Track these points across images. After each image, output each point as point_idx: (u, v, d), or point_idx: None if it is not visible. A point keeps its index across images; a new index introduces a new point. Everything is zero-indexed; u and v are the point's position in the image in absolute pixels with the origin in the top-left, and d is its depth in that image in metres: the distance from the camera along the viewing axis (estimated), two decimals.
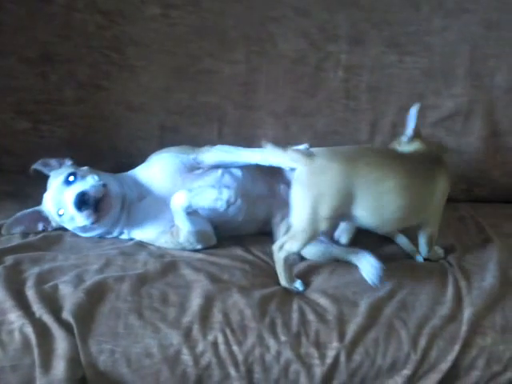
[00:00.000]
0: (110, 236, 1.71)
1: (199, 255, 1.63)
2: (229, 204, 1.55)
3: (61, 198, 1.63)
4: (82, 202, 1.58)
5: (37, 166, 1.77)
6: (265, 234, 1.77)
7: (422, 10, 1.99)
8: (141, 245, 1.66)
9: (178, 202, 1.59)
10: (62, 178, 1.64)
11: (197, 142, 1.95)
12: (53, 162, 1.77)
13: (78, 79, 1.98)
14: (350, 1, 1.98)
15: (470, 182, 2.00)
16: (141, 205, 1.70)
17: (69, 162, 1.77)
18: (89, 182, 1.62)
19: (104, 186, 1.63)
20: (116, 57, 1.97)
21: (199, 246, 1.65)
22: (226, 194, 1.55)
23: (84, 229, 1.67)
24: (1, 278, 1.45)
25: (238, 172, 1.75)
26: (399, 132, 1.99)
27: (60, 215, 1.64)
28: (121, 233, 1.72)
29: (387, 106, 2.02)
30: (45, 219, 1.70)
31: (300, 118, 2.02)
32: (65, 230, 1.70)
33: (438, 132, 2.03)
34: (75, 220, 1.63)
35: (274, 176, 1.83)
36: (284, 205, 1.79)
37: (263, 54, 1.99)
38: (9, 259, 1.53)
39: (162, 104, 2.00)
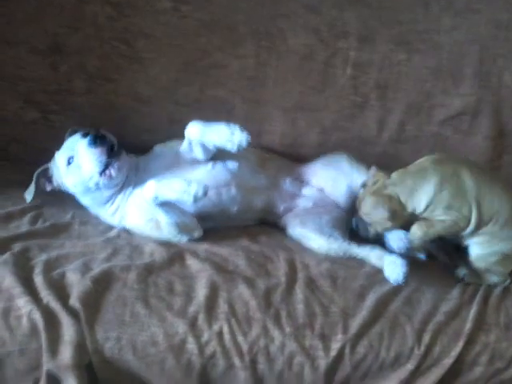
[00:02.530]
0: (103, 212, 1.72)
1: (205, 245, 1.64)
2: (196, 198, 1.52)
3: (74, 145, 1.66)
4: (97, 138, 1.61)
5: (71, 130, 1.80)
6: (268, 225, 1.81)
7: (431, 9, 2.00)
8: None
9: (146, 192, 1.59)
10: (79, 133, 1.69)
11: None
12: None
13: (87, 70, 1.99)
14: None
15: None
16: (135, 191, 1.71)
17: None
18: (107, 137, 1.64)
19: (121, 149, 1.67)
20: (126, 49, 1.98)
21: (184, 238, 1.65)
22: (194, 188, 1.52)
23: (86, 186, 1.66)
24: (9, 265, 1.46)
25: (234, 165, 1.77)
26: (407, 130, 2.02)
27: (69, 164, 1.66)
28: (111, 213, 1.72)
29: (395, 104, 2.03)
30: (48, 177, 1.73)
31: (308, 114, 2.02)
32: (72, 218, 1.72)
33: (445, 131, 2.04)
34: (82, 168, 1.63)
35: (281, 170, 1.84)
36: (287, 197, 1.80)
37: (272, 49, 2.00)
38: (17, 246, 1.54)
39: (170, 97, 2.01)
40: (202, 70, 2.00)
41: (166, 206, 1.60)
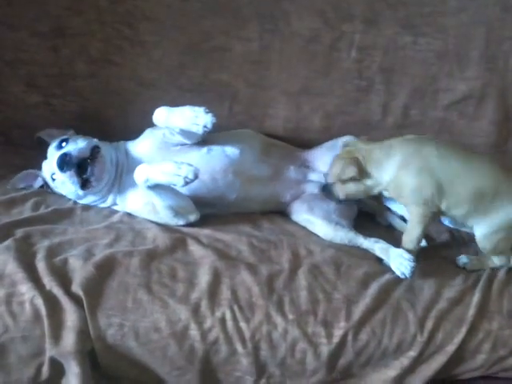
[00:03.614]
0: (103, 205, 1.73)
1: (207, 231, 1.63)
2: (186, 181, 1.51)
3: (52, 162, 1.66)
4: (64, 162, 1.61)
5: (41, 134, 1.84)
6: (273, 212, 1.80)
7: None
8: (149, 221, 1.66)
9: (138, 176, 1.58)
10: (55, 144, 1.69)
11: None
12: (56, 131, 1.80)
13: (89, 54, 1.97)
14: None
15: None
16: (131, 176, 1.70)
17: (70, 131, 1.80)
18: (78, 145, 1.65)
19: (96, 147, 1.67)
20: (128, 32, 1.96)
21: (181, 222, 1.64)
22: (185, 171, 1.51)
23: (76, 196, 1.70)
24: (12, 251, 1.46)
25: (234, 151, 1.75)
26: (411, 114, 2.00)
27: (53, 180, 1.69)
28: (114, 203, 1.74)
29: (400, 88, 2.00)
30: (45, 184, 1.75)
31: (312, 98, 2.00)
32: (75, 204, 1.72)
33: (451, 115, 2.02)
34: (66, 184, 1.65)
35: (285, 158, 1.83)
36: (293, 184, 1.79)
37: (276, 32, 1.97)
38: (19, 232, 1.54)
39: (173, 81, 1.99)
40: (205, 54, 1.98)
41: (159, 188, 1.59)
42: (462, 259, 1.64)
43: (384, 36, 1.98)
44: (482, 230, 1.63)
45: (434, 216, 1.62)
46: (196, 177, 1.51)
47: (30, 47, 1.96)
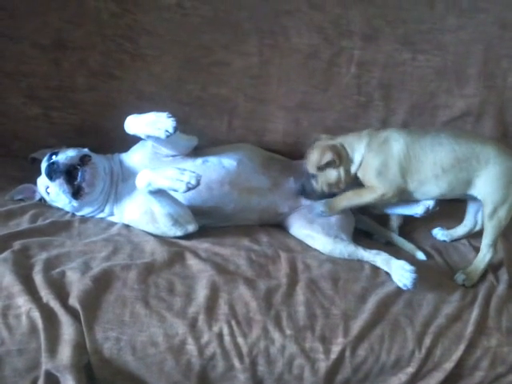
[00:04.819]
0: (101, 215, 1.74)
1: (206, 245, 1.63)
2: (189, 186, 1.51)
3: (44, 175, 1.67)
4: (52, 170, 1.62)
5: (35, 154, 1.86)
6: (269, 224, 1.80)
7: (436, 8, 1.99)
8: (148, 233, 1.66)
9: (139, 181, 1.58)
10: (46, 158, 1.70)
11: (206, 133, 1.96)
12: (48, 150, 1.79)
13: (90, 67, 1.98)
14: None
15: None
16: (127, 185, 1.72)
17: (64, 148, 1.79)
18: (67, 154, 1.66)
19: (87, 156, 1.68)
20: (129, 46, 1.97)
21: (179, 232, 1.64)
22: (188, 176, 1.51)
23: (72, 208, 1.70)
24: (9, 263, 1.45)
25: (231, 163, 1.76)
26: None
27: (48, 193, 1.69)
28: (111, 213, 1.74)
29: (399, 104, 2.02)
30: (43, 198, 1.76)
31: (311, 113, 2.02)
32: (73, 216, 1.72)
33: None
34: (60, 195, 1.66)
35: (285, 171, 1.83)
36: (292, 196, 1.79)
37: (276, 47, 1.99)
38: (17, 244, 1.53)
39: (172, 94, 2.00)
40: (205, 68, 1.99)
41: (160, 195, 1.59)
42: (460, 277, 1.64)
43: (383, 52, 2.00)
44: (486, 206, 1.66)
45: (393, 197, 1.68)
46: (198, 183, 1.51)
47: (30, 59, 1.97)
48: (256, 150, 1.89)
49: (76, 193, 1.65)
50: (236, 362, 1.39)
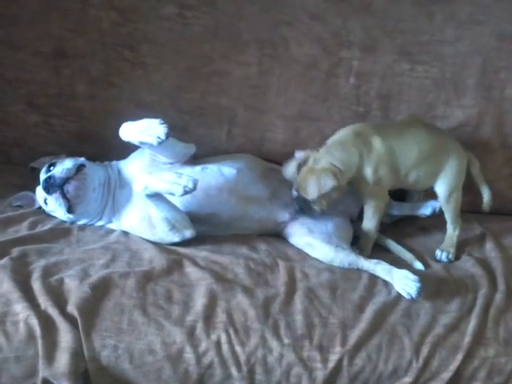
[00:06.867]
0: (99, 223, 1.74)
1: (204, 253, 1.63)
2: (186, 190, 1.51)
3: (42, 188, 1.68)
4: (49, 185, 1.63)
5: (34, 164, 1.87)
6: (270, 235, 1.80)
7: (434, 19, 2.00)
8: (146, 241, 1.66)
9: (137, 184, 1.58)
10: (44, 169, 1.71)
11: (205, 142, 1.97)
12: (48, 159, 1.81)
13: (90, 75, 1.99)
14: (364, 7, 1.99)
15: (476, 194, 1.99)
16: (124, 192, 1.72)
17: (62, 156, 1.81)
18: (64, 166, 1.66)
19: (82, 166, 1.69)
20: (129, 54, 1.98)
21: (176, 237, 1.64)
22: (185, 180, 1.52)
23: (69, 218, 1.71)
24: (7, 270, 1.45)
25: (231, 171, 1.76)
26: None
27: (46, 204, 1.70)
28: (109, 221, 1.74)
29: (397, 114, 2.02)
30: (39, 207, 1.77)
31: (310, 123, 2.02)
32: (71, 223, 1.73)
33: None
34: (57, 208, 1.67)
35: (285, 180, 1.82)
36: (290, 206, 1.79)
37: (275, 57, 2.00)
38: (16, 251, 1.54)
39: (172, 103, 2.01)
40: (204, 77, 2.00)
41: (157, 199, 1.59)
42: (442, 255, 1.76)
43: (382, 63, 2.00)
44: (443, 192, 1.79)
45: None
46: (195, 187, 1.52)
47: (31, 67, 1.98)
48: (256, 160, 1.89)
49: (70, 206, 1.66)
50: (234, 371, 1.39)
